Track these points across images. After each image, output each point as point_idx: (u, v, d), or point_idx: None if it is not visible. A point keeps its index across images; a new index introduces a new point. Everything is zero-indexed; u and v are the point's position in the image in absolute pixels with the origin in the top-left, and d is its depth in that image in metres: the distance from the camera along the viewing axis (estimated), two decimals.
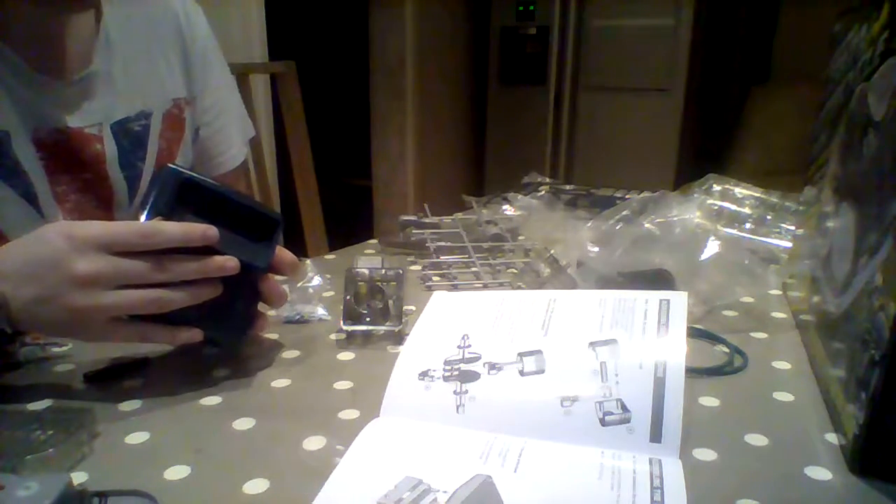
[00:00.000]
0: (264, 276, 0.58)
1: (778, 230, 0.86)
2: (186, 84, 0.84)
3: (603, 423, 0.46)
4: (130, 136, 0.77)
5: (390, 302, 0.64)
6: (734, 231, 0.83)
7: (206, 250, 0.52)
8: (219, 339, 0.59)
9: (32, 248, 0.50)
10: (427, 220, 0.95)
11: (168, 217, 0.52)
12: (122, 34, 0.76)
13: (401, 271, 0.65)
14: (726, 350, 0.62)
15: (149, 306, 0.50)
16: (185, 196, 0.54)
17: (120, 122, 0.76)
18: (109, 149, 0.75)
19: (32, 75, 0.68)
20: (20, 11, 0.67)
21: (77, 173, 0.73)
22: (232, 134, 0.92)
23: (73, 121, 0.72)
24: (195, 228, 0.51)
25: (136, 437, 0.48)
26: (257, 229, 0.56)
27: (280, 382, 0.56)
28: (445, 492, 0.39)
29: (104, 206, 0.76)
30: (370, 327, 0.64)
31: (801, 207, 0.78)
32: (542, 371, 0.50)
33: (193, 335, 0.53)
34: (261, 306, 0.60)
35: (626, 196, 1.12)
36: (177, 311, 0.52)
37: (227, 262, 0.52)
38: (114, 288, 0.49)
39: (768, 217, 0.88)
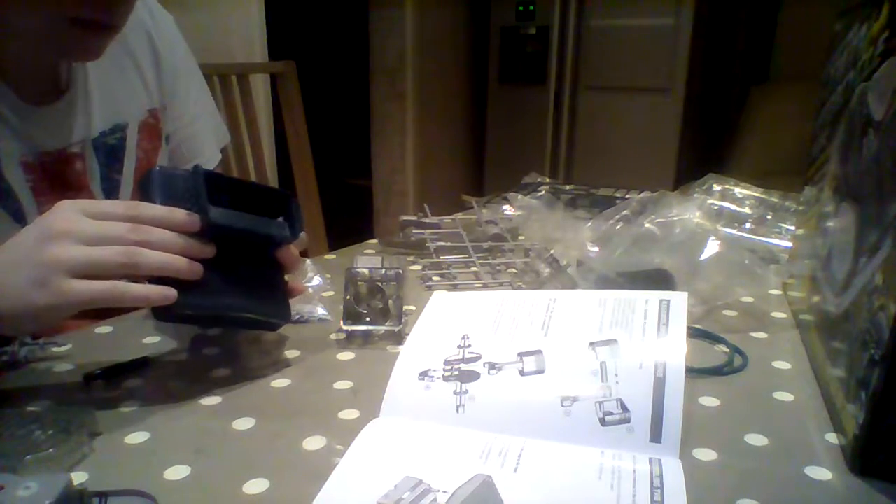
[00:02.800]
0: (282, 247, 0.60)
1: (778, 230, 0.86)
2: (159, 93, 0.84)
3: (603, 423, 0.46)
4: (107, 150, 0.77)
5: (390, 302, 0.64)
6: (734, 231, 0.83)
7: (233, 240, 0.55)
8: (271, 317, 0.60)
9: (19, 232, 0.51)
10: (427, 220, 0.95)
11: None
12: None
13: (401, 271, 0.65)
14: (726, 350, 0.62)
15: (118, 257, 0.48)
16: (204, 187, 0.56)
17: (97, 137, 0.76)
18: (91, 165, 0.75)
19: (20, 104, 0.69)
20: (15, 48, 0.67)
21: (62, 192, 0.73)
22: (204, 140, 0.92)
23: (56, 142, 0.72)
24: (178, 212, 0.52)
25: (136, 437, 0.48)
26: (272, 207, 0.59)
27: (280, 382, 0.56)
28: (445, 492, 0.39)
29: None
30: (370, 327, 0.64)
31: (801, 207, 0.78)
32: (542, 371, 0.50)
33: (167, 294, 0.50)
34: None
35: (626, 196, 1.12)
36: (225, 294, 0.54)
37: (206, 247, 0.53)
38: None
39: (768, 217, 0.88)
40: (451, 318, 0.59)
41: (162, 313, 0.53)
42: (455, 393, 0.50)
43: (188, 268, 0.51)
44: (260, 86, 2.05)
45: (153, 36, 0.83)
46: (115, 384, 0.56)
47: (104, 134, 0.76)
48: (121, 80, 0.79)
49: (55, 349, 0.61)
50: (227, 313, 0.56)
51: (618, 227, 0.77)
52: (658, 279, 0.68)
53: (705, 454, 0.46)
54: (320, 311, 0.70)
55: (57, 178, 0.72)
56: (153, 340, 0.64)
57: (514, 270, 0.83)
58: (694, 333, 0.65)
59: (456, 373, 0.52)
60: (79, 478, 0.43)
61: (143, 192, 0.54)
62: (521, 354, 0.52)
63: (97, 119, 0.76)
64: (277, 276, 0.61)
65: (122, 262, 0.49)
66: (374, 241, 0.98)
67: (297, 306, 0.70)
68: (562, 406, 0.47)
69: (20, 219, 0.70)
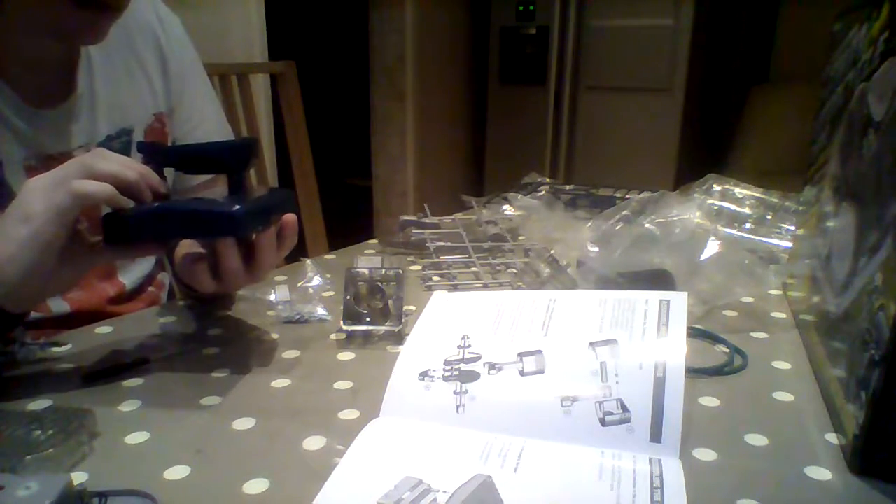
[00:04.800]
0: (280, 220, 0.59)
1: (778, 230, 0.86)
2: (166, 97, 0.83)
3: (603, 423, 0.46)
4: None
5: (390, 302, 0.64)
6: (734, 231, 0.83)
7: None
8: (220, 206, 0.55)
9: None
10: (427, 220, 0.95)
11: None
12: (102, 54, 0.75)
13: (401, 271, 0.65)
14: (726, 350, 0.62)
15: (77, 166, 0.53)
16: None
17: (103, 141, 0.75)
18: None
19: (24, 107, 0.68)
20: (19, 46, 0.67)
21: None
22: None
23: (61, 145, 0.72)
24: (137, 165, 0.56)
25: (136, 437, 0.48)
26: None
27: (280, 382, 0.56)
28: (445, 492, 0.39)
29: (94, 227, 0.76)
30: (370, 327, 0.64)
31: (801, 207, 0.78)
32: (542, 371, 0.50)
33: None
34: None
35: (626, 196, 1.12)
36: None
37: (161, 181, 0.57)
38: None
39: (768, 217, 0.88)
40: (451, 318, 0.59)
41: (115, 228, 0.54)
42: (455, 393, 0.50)
43: (141, 179, 0.54)
44: (260, 86, 2.05)
45: (161, 39, 0.82)
46: (115, 384, 0.56)
47: (110, 138, 0.76)
48: (128, 85, 0.79)
49: (55, 349, 0.61)
50: (172, 207, 0.56)
51: (618, 227, 0.77)
52: (658, 279, 0.68)
53: (705, 454, 0.46)
54: (320, 311, 0.70)
55: None
56: (153, 340, 0.64)
57: (514, 270, 0.83)
58: (694, 333, 0.65)
59: (456, 373, 0.52)
60: (79, 478, 0.43)
61: None
62: (521, 354, 0.52)
63: (103, 123, 0.75)
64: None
65: (81, 166, 0.53)
66: (374, 241, 0.98)
67: (297, 306, 0.70)
68: (562, 406, 0.47)
69: None
